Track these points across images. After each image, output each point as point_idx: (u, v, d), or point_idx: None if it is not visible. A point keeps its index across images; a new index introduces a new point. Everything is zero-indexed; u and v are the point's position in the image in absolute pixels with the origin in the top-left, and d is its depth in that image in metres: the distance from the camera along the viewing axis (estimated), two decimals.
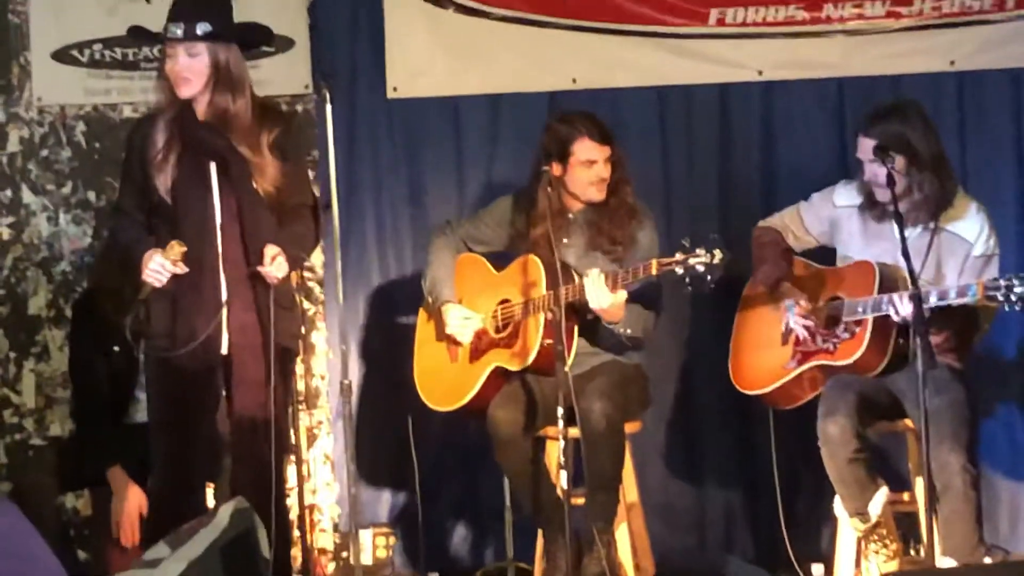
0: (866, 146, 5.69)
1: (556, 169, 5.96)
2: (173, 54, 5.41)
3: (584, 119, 6.02)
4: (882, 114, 5.76)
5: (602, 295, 5.69)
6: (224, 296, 5.41)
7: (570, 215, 6.06)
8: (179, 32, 5.38)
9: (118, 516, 6.00)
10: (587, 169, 5.98)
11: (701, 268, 5.46)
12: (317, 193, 5.94)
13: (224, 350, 5.45)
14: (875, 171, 5.66)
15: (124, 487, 5.99)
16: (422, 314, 6.28)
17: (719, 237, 5.51)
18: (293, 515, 6.38)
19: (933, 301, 5.43)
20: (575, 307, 5.80)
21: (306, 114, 6.92)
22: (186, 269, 5.35)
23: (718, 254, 5.46)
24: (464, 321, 6.05)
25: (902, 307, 5.46)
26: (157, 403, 5.56)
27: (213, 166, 5.43)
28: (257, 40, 5.77)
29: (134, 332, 5.41)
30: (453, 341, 6.08)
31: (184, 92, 5.43)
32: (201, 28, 5.39)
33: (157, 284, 5.36)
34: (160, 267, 5.33)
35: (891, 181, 5.50)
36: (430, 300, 6.16)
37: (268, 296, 5.41)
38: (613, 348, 6.00)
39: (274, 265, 5.38)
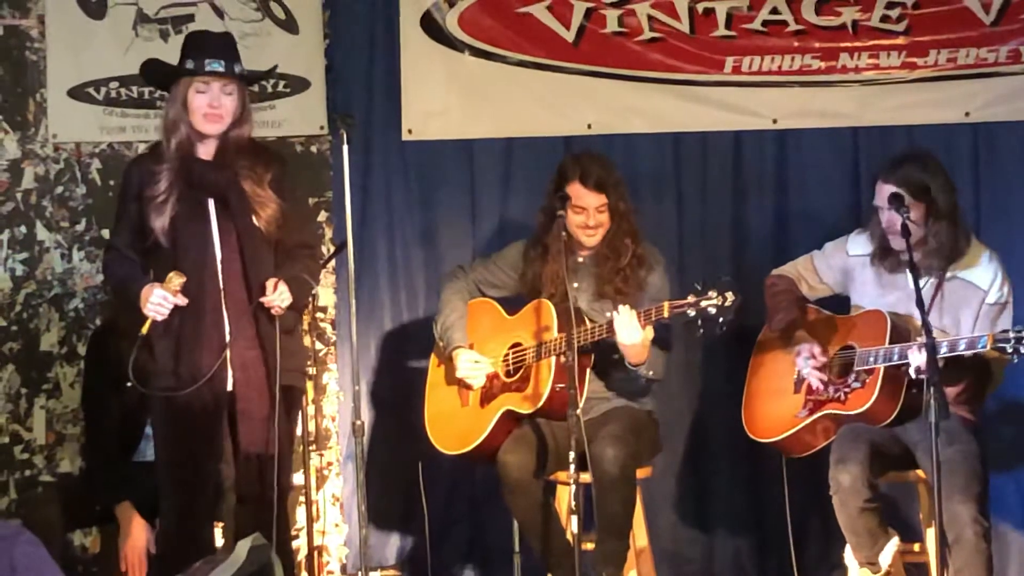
0: (884, 192, 5.68)
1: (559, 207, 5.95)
2: (206, 89, 5.41)
3: (587, 161, 5.98)
4: (903, 161, 5.75)
5: (634, 331, 5.67)
6: (227, 332, 5.38)
7: (579, 259, 6.05)
8: (220, 68, 5.38)
9: (124, 550, 5.98)
10: (576, 214, 5.96)
11: (713, 311, 5.47)
12: (323, 235, 5.91)
13: (229, 387, 5.41)
14: (892, 218, 5.65)
15: (130, 522, 5.96)
16: (434, 358, 6.27)
17: (731, 280, 5.52)
18: (301, 556, 6.36)
19: (944, 352, 5.41)
20: (586, 351, 5.80)
21: (320, 155, 6.94)
22: (186, 300, 5.32)
23: (730, 296, 5.46)
24: (474, 365, 6.04)
25: (913, 358, 5.45)
26: (164, 442, 5.52)
27: (212, 202, 5.42)
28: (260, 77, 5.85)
29: (137, 371, 5.34)
30: (464, 385, 6.08)
31: (212, 128, 5.43)
32: (238, 68, 5.43)
33: (159, 317, 5.32)
34: (162, 300, 5.29)
35: (906, 231, 5.49)
36: (441, 345, 6.15)
37: (273, 330, 5.37)
38: (626, 393, 6.00)
39: (276, 294, 5.35)
